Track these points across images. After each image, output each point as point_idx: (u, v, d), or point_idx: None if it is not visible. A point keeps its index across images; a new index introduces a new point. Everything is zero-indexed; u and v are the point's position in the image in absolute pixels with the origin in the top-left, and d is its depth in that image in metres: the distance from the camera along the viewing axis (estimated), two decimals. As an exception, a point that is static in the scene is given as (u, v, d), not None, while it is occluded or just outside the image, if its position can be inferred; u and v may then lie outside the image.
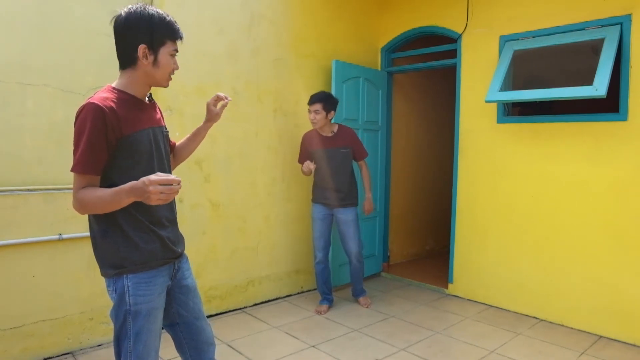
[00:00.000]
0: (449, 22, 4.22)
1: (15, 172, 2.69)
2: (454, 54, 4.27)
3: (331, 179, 3.68)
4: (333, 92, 4.16)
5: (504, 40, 3.83)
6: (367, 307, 3.90)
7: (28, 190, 2.71)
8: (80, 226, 2.88)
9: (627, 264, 3.24)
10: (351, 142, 3.75)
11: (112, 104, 1.50)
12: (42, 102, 2.76)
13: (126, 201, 1.45)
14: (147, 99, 1.69)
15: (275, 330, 3.39)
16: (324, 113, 3.59)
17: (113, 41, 1.59)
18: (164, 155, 1.71)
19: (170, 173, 1.75)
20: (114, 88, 1.58)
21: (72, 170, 1.48)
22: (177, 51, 1.63)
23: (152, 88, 1.68)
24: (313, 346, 3.13)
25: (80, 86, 2.88)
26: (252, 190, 3.81)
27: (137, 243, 1.57)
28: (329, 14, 4.32)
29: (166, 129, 1.78)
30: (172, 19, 1.60)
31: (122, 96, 1.56)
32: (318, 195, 3.76)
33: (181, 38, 1.63)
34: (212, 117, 1.94)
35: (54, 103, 2.81)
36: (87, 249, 2.92)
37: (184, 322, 1.78)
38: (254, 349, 3.06)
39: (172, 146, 1.93)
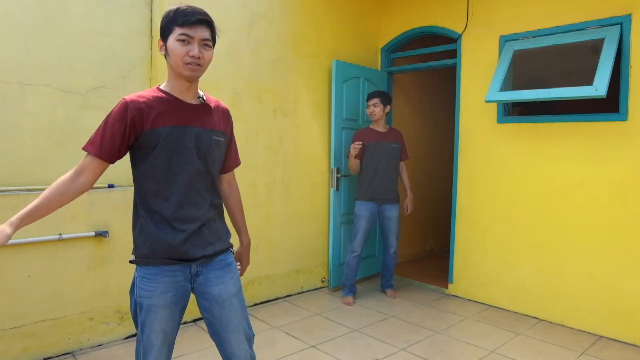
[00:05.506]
0: (449, 22, 4.22)
1: (15, 172, 2.69)
2: (454, 54, 4.27)
3: (384, 172, 3.97)
4: (333, 92, 4.18)
5: (504, 40, 3.83)
6: (395, 297, 4.12)
7: (28, 190, 2.71)
8: (81, 226, 2.88)
9: (627, 264, 3.24)
10: (401, 140, 4.13)
11: (141, 100, 1.56)
12: (42, 102, 2.76)
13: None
14: (199, 99, 1.68)
15: (275, 330, 3.39)
16: (381, 106, 3.97)
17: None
18: (196, 157, 1.63)
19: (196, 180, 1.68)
20: (156, 87, 1.66)
21: (82, 148, 1.56)
22: (187, 36, 1.54)
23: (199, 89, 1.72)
24: (313, 346, 3.13)
25: (80, 86, 2.88)
26: (252, 190, 3.81)
27: (146, 238, 1.62)
28: (329, 14, 4.31)
29: (218, 135, 1.70)
30: (186, 8, 1.56)
31: (159, 94, 1.61)
32: (367, 192, 3.98)
33: (189, 23, 1.54)
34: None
35: (54, 103, 2.81)
36: (87, 249, 2.93)
37: (212, 328, 1.75)
38: (253, 349, 3.05)
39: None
